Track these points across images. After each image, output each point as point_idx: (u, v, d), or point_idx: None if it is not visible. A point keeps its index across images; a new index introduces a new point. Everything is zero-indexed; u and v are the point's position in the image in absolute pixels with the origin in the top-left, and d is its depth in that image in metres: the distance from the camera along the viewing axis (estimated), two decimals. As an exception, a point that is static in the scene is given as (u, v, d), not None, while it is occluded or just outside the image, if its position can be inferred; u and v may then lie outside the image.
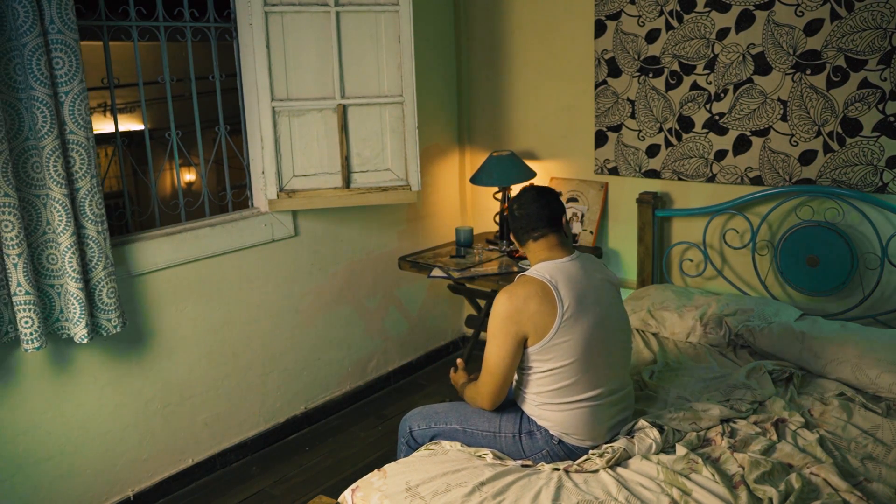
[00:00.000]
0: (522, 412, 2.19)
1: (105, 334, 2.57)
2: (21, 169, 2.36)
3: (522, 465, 2.07)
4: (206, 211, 3.14)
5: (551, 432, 2.13)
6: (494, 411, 2.20)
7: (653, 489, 1.91)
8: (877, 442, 2.14)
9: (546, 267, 2.11)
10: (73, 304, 2.46)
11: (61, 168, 2.38)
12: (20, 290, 2.33)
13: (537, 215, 2.17)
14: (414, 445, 2.33)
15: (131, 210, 2.90)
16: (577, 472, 2.01)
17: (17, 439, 2.51)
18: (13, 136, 2.33)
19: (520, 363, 2.13)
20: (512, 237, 2.26)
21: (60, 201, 2.39)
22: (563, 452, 2.14)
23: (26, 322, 2.35)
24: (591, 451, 2.08)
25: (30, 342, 2.37)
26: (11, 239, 2.29)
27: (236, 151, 3.21)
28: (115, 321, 2.57)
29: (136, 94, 3.35)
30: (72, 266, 2.43)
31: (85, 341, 2.49)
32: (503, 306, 2.06)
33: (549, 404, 2.11)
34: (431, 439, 2.30)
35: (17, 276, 2.32)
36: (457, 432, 2.24)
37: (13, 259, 2.31)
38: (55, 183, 2.38)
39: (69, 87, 2.38)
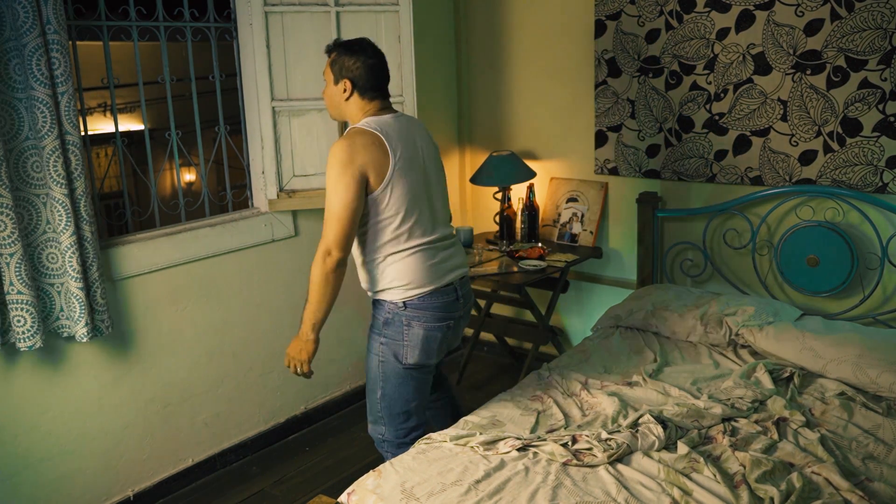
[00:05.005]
0: (373, 331, 2.28)
1: (99, 335, 2.58)
2: (21, 168, 2.36)
3: (517, 439, 2.10)
4: (206, 211, 3.14)
5: (398, 298, 2.20)
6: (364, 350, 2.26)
7: (653, 489, 1.91)
8: (878, 441, 2.15)
9: (375, 121, 2.19)
10: (73, 304, 2.47)
11: (61, 168, 2.39)
12: (12, 290, 2.34)
13: (383, 75, 2.24)
14: (399, 446, 2.31)
15: (131, 210, 2.89)
16: (576, 465, 2.00)
17: (17, 439, 2.51)
18: (11, 137, 2.33)
19: (363, 221, 2.17)
20: (345, 85, 2.20)
21: (60, 201, 2.40)
22: (420, 314, 2.21)
23: (18, 321, 2.37)
24: (593, 448, 2.07)
25: (23, 340, 2.38)
26: (5, 238, 2.30)
27: (236, 151, 3.20)
28: (105, 322, 2.59)
29: (136, 93, 3.34)
30: (72, 266, 2.44)
31: (84, 340, 2.50)
32: (343, 152, 2.10)
33: (392, 255, 2.18)
34: (408, 434, 2.31)
35: (10, 276, 2.33)
36: (391, 402, 2.29)
37: (6, 258, 2.32)
38: (55, 183, 2.39)
39: (65, 88, 2.38)
